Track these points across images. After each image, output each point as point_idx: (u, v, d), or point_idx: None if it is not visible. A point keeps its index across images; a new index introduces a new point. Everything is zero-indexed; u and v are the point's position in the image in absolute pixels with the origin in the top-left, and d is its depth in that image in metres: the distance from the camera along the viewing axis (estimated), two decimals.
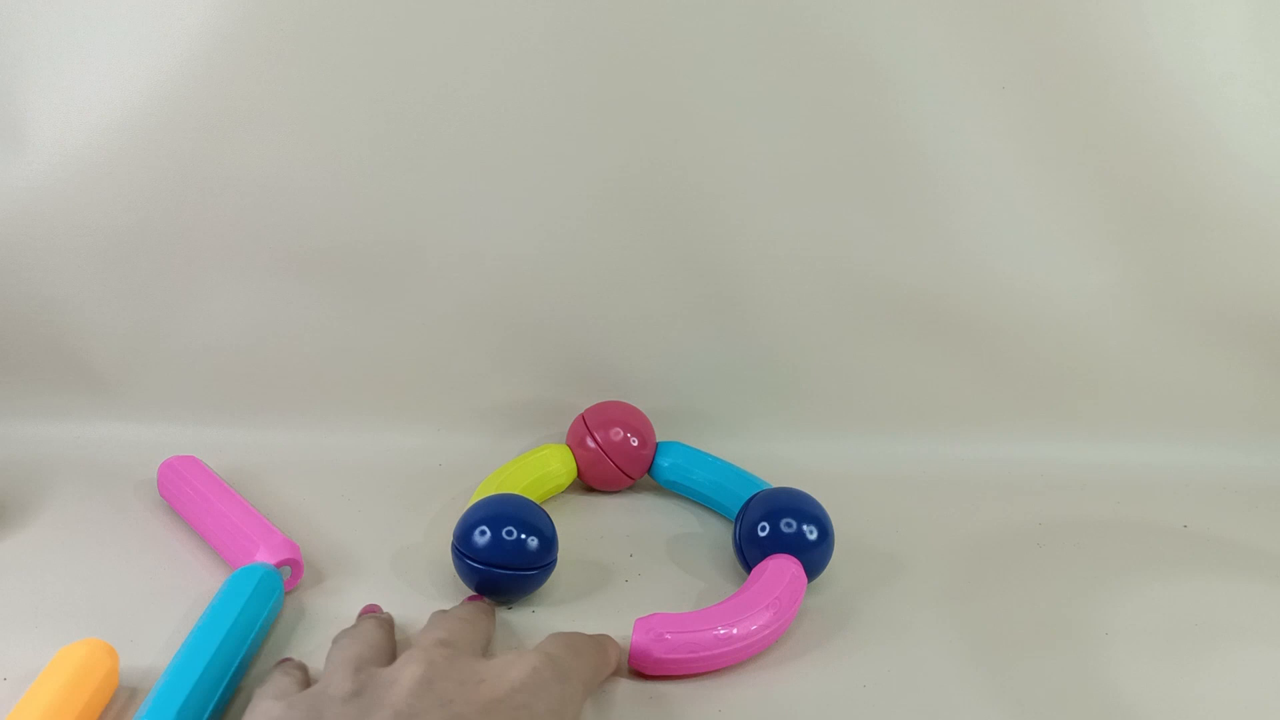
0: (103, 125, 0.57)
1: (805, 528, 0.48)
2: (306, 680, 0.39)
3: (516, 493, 0.51)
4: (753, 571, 0.48)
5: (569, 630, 0.43)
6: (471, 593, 0.47)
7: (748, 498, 0.51)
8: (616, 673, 0.43)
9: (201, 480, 0.53)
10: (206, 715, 0.38)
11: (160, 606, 0.46)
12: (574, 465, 0.57)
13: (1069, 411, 0.65)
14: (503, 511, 0.47)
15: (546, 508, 0.49)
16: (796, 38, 0.57)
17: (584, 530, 0.54)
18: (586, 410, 0.59)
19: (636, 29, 0.56)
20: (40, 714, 0.36)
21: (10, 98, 0.57)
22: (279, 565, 0.46)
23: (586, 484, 0.58)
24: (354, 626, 0.42)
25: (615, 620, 0.45)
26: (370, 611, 0.45)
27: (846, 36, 0.57)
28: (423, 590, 0.48)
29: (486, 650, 0.42)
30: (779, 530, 0.48)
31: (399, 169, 0.59)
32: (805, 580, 0.47)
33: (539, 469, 0.56)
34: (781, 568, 0.46)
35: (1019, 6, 0.56)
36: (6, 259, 0.60)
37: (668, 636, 0.42)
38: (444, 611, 0.44)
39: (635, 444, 0.57)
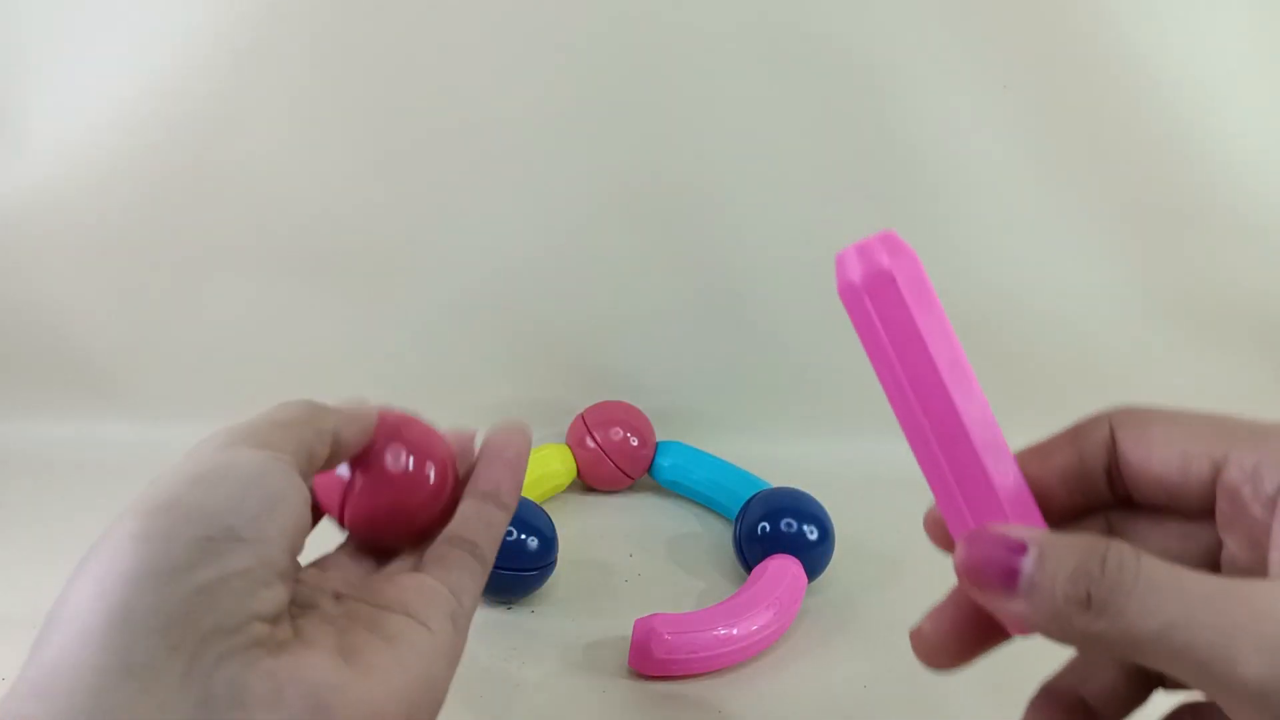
0: (102, 125, 0.57)
1: (805, 528, 0.48)
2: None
3: None
4: (753, 571, 0.47)
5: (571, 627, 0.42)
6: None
7: (748, 498, 0.51)
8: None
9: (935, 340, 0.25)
10: None
11: None
12: (574, 465, 0.57)
13: (1071, 411, 0.64)
14: None
15: (546, 507, 0.49)
16: (798, 39, 0.57)
17: (584, 530, 0.54)
18: (586, 410, 0.59)
19: (638, 30, 0.56)
20: None
21: (10, 98, 0.57)
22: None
23: (586, 484, 0.58)
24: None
25: (615, 620, 0.45)
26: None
27: (848, 37, 0.57)
28: None
29: None
30: (779, 530, 0.48)
31: (399, 169, 0.59)
32: (805, 580, 0.47)
33: (539, 469, 0.56)
34: (782, 568, 0.46)
35: (1020, 8, 0.56)
36: (6, 259, 0.60)
37: (668, 637, 0.42)
38: None
39: (635, 444, 0.57)
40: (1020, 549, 0.22)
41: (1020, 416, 0.64)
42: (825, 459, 0.62)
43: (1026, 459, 0.26)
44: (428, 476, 0.30)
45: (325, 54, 0.56)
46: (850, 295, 0.25)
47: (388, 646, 0.24)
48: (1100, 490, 0.26)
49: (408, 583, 0.27)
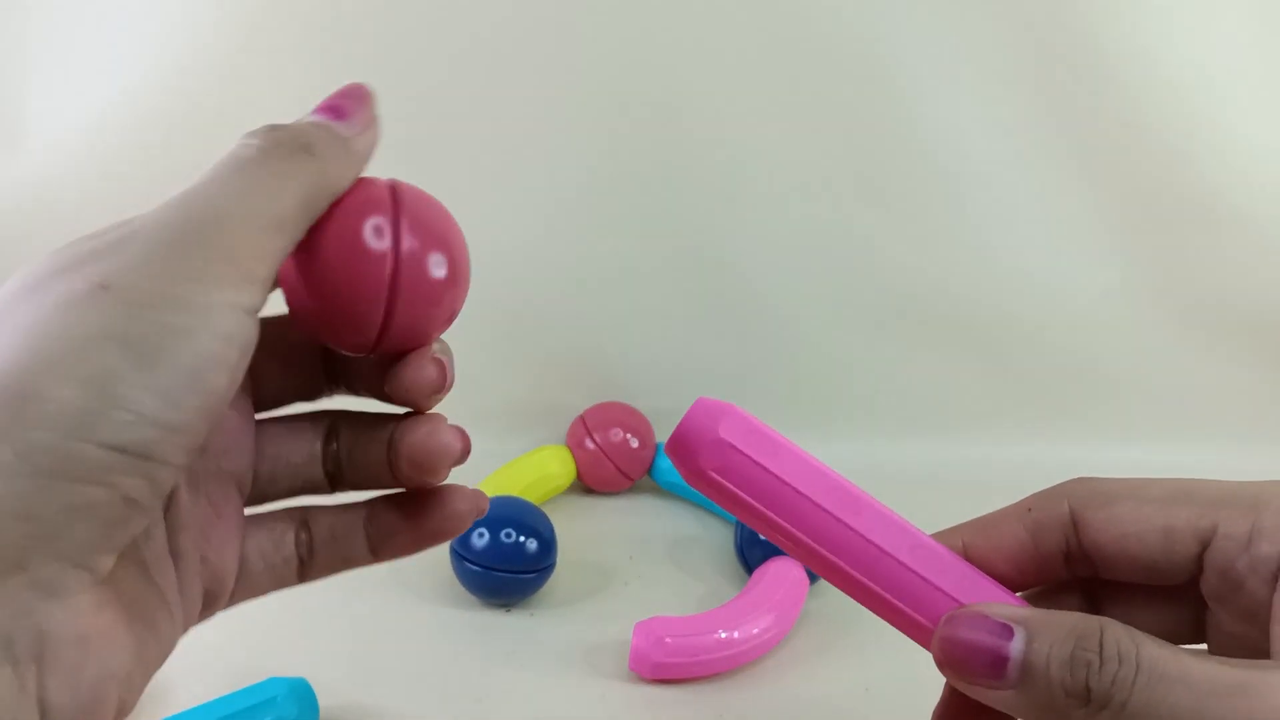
0: (103, 124, 0.57)
1: None
2: None
3: (515, 495, 0.51)
4: (754, 574, 0.47)
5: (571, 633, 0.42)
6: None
7: None
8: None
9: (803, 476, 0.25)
10: None
11: None
12: (573, 466, 0.57)
13: (1074, 412, 0.64)
14: (502, 514, 0.47)
15: (546, 509, 0.49)
16: (803, 36, 0.56)
17: (583, 532, 0.54)
18: (586, 411, 0.58)
19: (641, 26, 0.56)
20: None
21: (10, 96, 0.57)
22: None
23: (586, 485, 0.58)
24: None
25: (615, 623, 0.45)
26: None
27: (853, 36, 0.56)
28: (421, 592, 0.48)
29: None
30: None
31: (397, 169, 0.58)
32: (807, 583, 0.47)
33: (538, 470, 0.56)
34: (783, 570, 0.46)
35: (1024, 7, 0.56)
36: (6, 259, 0.60)
37: (668, 640, 0.42)
38: None
39: (635, 445, 0.57)
40: (1006, 631, 0.21)
41: (1021, 416, 0.64)
42: (827, 460, 0.62)
43: (969, 536, 0.24)
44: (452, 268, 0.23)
45: (325, 53, 0.56)
46: (700, 480, 0.24)
47: None
48: (1055, 570, 0.24)
49: None
